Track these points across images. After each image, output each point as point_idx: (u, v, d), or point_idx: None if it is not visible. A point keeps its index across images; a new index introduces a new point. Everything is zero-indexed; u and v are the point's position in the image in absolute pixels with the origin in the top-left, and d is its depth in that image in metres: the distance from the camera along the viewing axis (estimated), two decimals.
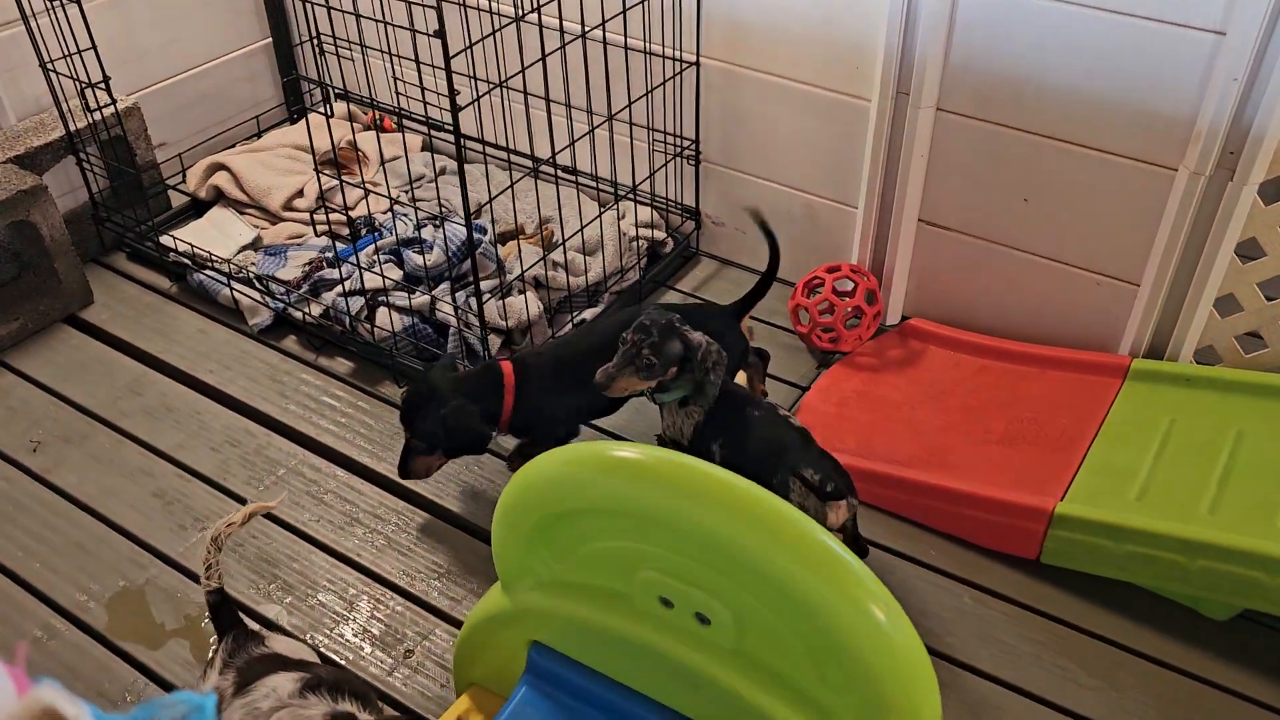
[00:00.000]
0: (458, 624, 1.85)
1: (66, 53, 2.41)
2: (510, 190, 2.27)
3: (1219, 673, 1.74)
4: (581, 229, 2.47)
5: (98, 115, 2.54)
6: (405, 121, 3.00)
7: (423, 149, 3.02)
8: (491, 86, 1.94)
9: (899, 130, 2.21)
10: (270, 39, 3.10)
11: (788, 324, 2.43)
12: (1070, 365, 2.20)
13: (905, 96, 2.16)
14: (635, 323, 1.78)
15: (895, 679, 1.14)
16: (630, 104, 2.42)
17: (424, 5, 1.74)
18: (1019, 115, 2.08)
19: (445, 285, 2.40)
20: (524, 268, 2.42)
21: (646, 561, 1.27)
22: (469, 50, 2.03)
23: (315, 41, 3.10)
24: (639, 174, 2.60)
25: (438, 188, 2.70)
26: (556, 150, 2.32)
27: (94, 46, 2.42)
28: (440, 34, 1.69)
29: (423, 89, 1.80)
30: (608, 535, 1.30)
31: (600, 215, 2.55)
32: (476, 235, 2.43)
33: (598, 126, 2.35)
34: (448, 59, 1.73)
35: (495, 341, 2.32)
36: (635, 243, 2.60)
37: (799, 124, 2.36)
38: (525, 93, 2.19)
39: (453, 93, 1.77)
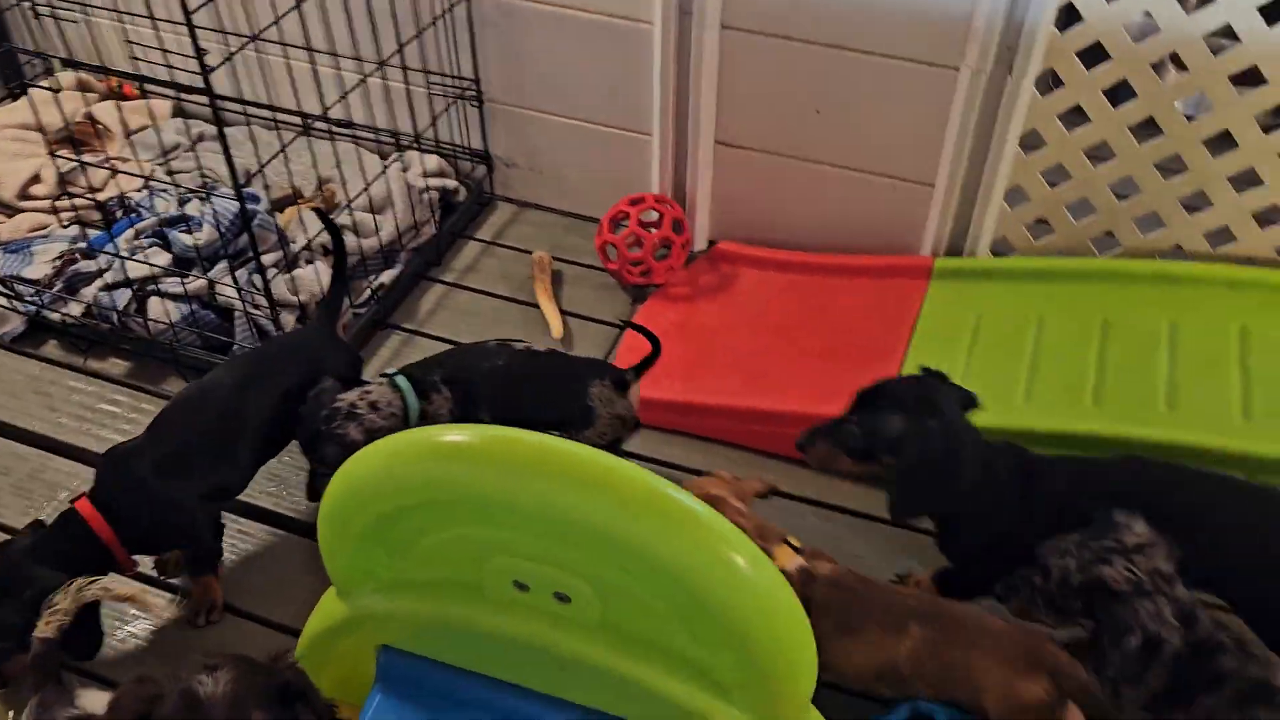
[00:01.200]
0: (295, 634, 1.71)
1: None
2: (282, 153, 2.07)
3: None
4: (366, 186, 2.30)
5: None
6: (149, 87, 2.69)
7: (173, 115, 2.74)
8: (246, 41, 1.73)
9: (685, 52, 2.14)
10: None
11: (598, 262, 2.36)
12: (876, 272, 2.23)
13: (688, 17, 2.09)
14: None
15: (768, 626, 1.11)
16: (401, 48, 2.25)
17: None
18: (804, 27, 2.05)
19: (223, 265, 2.19)
20: (309, 235, 2.23)
21: (493, 547, 1.19)
22: (212, 2, 1.81)
23: (30, 4, 2.75)
24: (420, 121, 2.43)
25: (197, 157, 2.46)
26: (328, 105, 2.13)
27: None
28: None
29: (164, 51, 1.59)
30: (446, 525, 1.20)
31: (385, 169, 2.38)
32: (250, 206, 2.22)
33: (369, 75, 2.17)
34: (188, 15, 1.53)
35: (289, 320, 2.13)
36: (426, 194, 2.45)
37: (582, 54, 2.26)
38: (283, 43, 1.99)
39: (199, 52, 1.57)
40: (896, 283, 2.20)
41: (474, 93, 2.40)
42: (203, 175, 2.53)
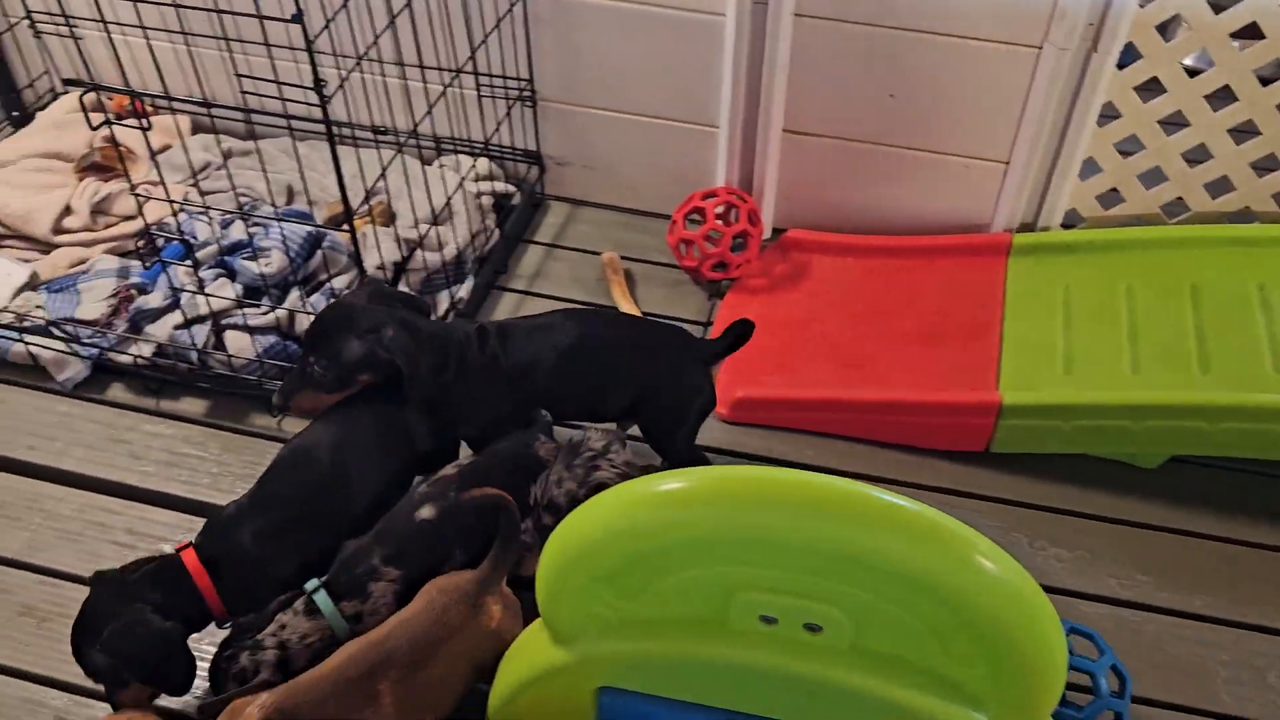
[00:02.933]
0: None
1: None
2: (335, 166, 1.98)
3: (1166, 515, 1.87)
4: (441, 198, 2.22)
5: None
6: (164, 103, 2.56)
7: (194, 130, 2.62)
8: (356, 62, 1.65)
9: (759, 42, 2.11)
10: None
11: (667, 260, 2.33)
12: (955, 251, 2.24)
13: (762, 6, 2.06)
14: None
15: (1023, 630, 1.11)
16: (474, 53, 2.17)
17: None
18: (881, 13, 2.04)
19: (296, 292, 2.10)
20: (381, 253, 2.16)
21: (738, 584, 1.17)
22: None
23: (29, 22, 2.59)
24: (470, 125, 2.36)
25: (229, 175, 2.35)
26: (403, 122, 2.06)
27: None
28: (299, 18, 1.41)
29: (279, 83, 1.51)
30: (688, 566, 1.18)
31: (443, 176, 2.31)
32: (313, 226, 2.14)
33: (449, 86, 2.10)
34: (309, 43, 1.45)
35: None
36: (479, 199, 2.39)
37: (643, 48, 2.21)
38: (339, 54, 1.91)
39: (319, 83, 1.49)
40: (975, 261, 2.22)
41: (528, 93, 2.34)
42: (241, 194, 2.42)
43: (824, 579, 1.14)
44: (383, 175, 2.06)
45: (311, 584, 1.49)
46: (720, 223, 2.21)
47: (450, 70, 2.20)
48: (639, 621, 1.24)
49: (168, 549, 1.78)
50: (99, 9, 2.40)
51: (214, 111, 2.42)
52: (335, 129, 2.27)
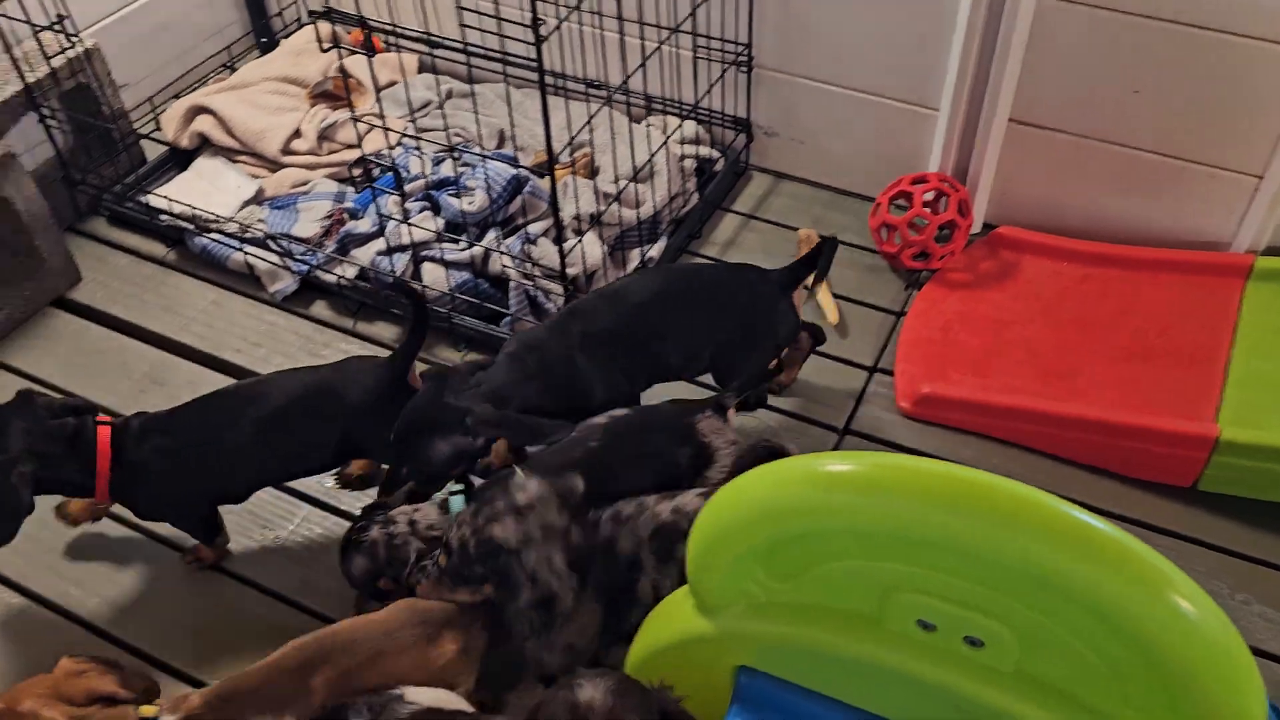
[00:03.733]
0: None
1: None
2: (544, 113, 2.00)
3: None
4: (645, 156, 2.21)
5: (58, 61, 2.18)
6: (398, 39, 2.66)
7: (419, 70, 2.70)
8: (571, 9, 1.65)
9: (994, 23, 1.99)
10: None
11: (866, 243, 2.24)
12: (1185, 267, 2.06)
13: None
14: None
15: (1219, 685, 1.00)
16: (694, 10, 2.14)
17: None
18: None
19: (494, 232, 2.14)
20: (577, 204, 2.17)
21: (899, 582, 1.11)
22: None
23: None
24: (682, 86, 2.33)
25: (444, 115, 2.40)
26: (615, 74, 2.05)
27: None
28: None
29: (498, 18, 1.52)
30: (850, 555, 1.12)
31: (649, 135, 2.29)
32: (519, 169, 2.17)
33: (663, 43, 2.08)
34: None
35: (556, 291, 2.08)
36: (682, 162, 2.36)
37: (872, 22, 2.12)
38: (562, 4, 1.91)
39: (536, 23, 1.50)
40: (1208, 281, 2.03)
41: (745, 58, 2.29)
42: (454, 134, 2.49)
43: (997, 592, 1.06)
44: (587, 126, 2.06)
45: (455, 486, 1.54)
46: (928, 210, 2.11)
47: (668, 28, 2.18)
48: (789, 605, 1.19)
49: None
50: None
51: (437, 53, 2.50)
52: (549, 79, 2.31)
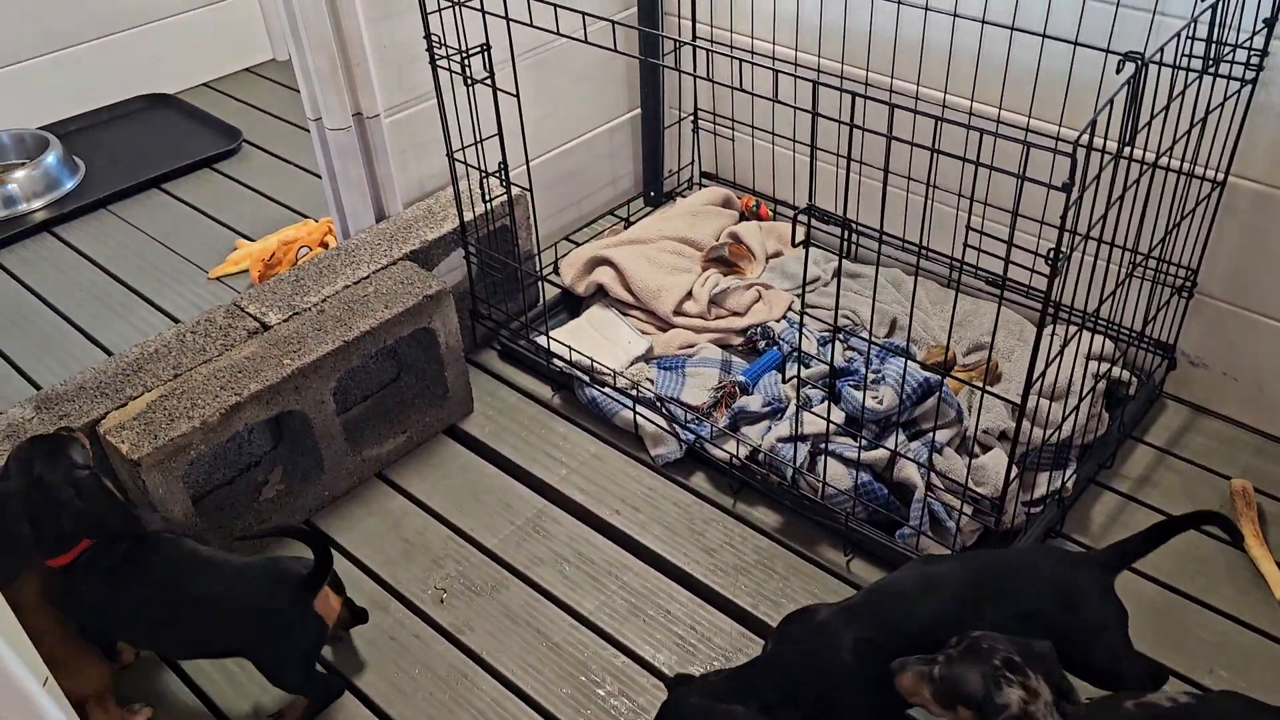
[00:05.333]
0: None
1: (478, 139, 2.15)
2: (923, 305, 1.89)
3: None
4: (1052, 368, 2.05)
5: (496, 204, 2.30)
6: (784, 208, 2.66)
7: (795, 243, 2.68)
8: (1081, 238, 1.55)
9: None
10: (639, 111, 2.82)
11: None
12: None
13: None
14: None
15: None
16: (1140, 227, 2.00)
17: (1056, 151, 1.37)
18: None
19: (900, 435, 2.03)
20: (986, 416, 2.03)
21: None
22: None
23: (693, 118, 2.82)
24: (1098, 296, 2.17)
25: (837, 294, 2.34)
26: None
27: (500, 133, 2.16)
28: (1069, 185, 1.33)
29: (1009, 244, 1.43)
30: None
31: (1059, 347, 2.14)
32: (927, 372, 2.07)
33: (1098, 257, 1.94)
34: (1065, 215, 1.36)
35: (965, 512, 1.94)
36: (1097, 383, 2.18)
37: None
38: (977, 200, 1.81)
39: (1057, 253, 1.40)
40: None
41: (1190, 283, 2.11)
42: (843, 315, 2.43)
43: None
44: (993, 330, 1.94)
45: None
46: None
47: (1107, 243, 2.04)
48: None
49: (738, 659, 1.76)
50: (753, 117, 2.53)
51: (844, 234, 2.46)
52: (954, 269, 2.21)
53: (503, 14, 1.93)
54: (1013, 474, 1.92)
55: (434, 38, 2.03)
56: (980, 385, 2.02)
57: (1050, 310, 1.54)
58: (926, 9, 2.19)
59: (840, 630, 1.50)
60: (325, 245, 2.74)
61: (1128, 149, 1.48)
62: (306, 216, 2.97)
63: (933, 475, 1.95)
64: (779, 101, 1.65)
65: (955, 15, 2.15)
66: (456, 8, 2.00)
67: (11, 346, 2.55)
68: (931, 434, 2.03)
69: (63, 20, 3.37)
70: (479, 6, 1.95)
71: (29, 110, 3.35)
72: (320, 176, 2.36)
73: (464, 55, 2.01)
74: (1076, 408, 2.01)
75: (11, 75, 3.33)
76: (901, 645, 1.44)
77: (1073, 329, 2.20)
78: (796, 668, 1.50)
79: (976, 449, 2.04)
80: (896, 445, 1.98)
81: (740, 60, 1.65)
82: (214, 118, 3.46)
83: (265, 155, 3.32)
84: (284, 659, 1.65)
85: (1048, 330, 2.05)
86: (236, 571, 1.64)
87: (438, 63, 2.05)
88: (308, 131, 2.30)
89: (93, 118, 3.48)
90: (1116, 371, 2.24)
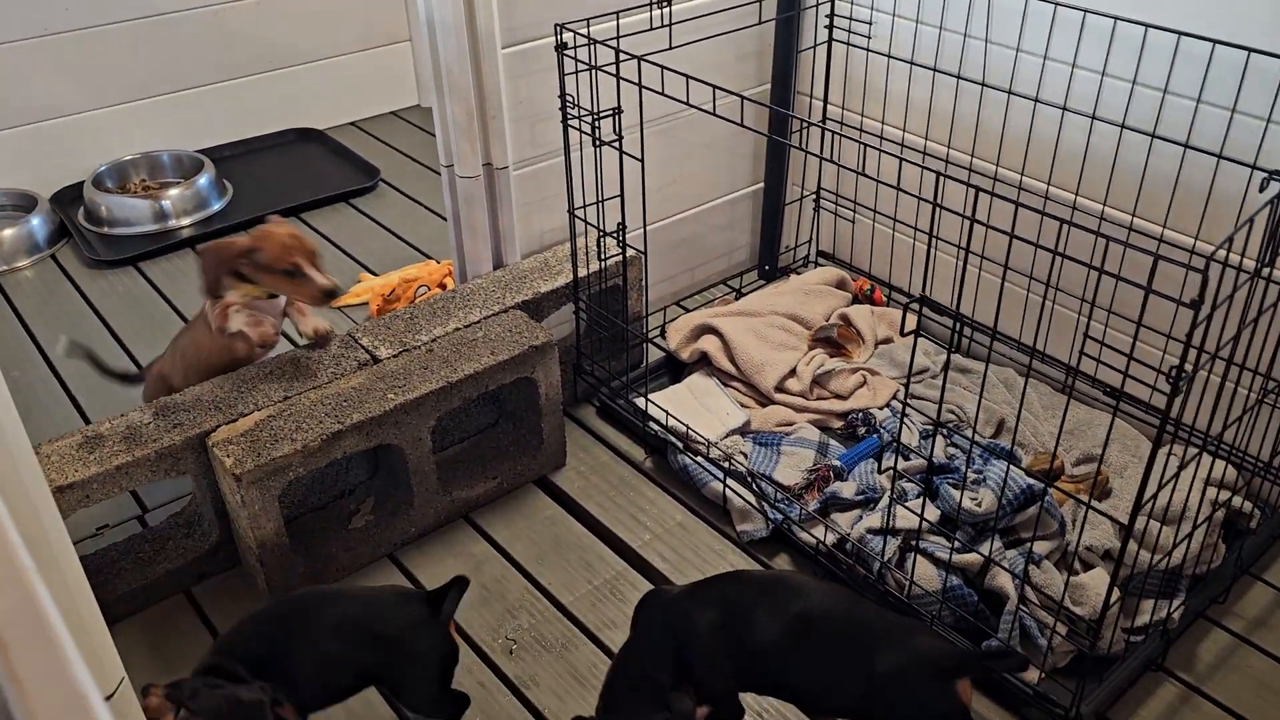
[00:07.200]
0: None
1: (600, 198, 2.20)
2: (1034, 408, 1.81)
3: None
4: (1166, 489, 1.96)
5: (609, 263, 2.33)
6: (900, 295, 2.62)
7: (904, 332, 2.63)
8: (1211, 356, 1.48)
9: None
10: (761, 185, 2.83)
11: None
12: None
13: None
14: None
15: None
16: (1263, 348, 1.91)
17: (1188, 266, 1.32)
18: None
19: (995, 541, 1.96)
20: (1091, 532, 1.94)
21: None
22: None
23: (815, 196, 2.82)
24: (1218, 416, 2.07)
25: (943, 387, 2.28)
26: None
27: (622, 195, 2.20)
28: (1198, 303, 1.27)
29: (1129, 357, 1.38)
30: None
31: (1175, 469, 2.03)
32: (1030, 480, 1.99)
33: (1225, 378, 1.84)
34: (1193, 330, 1.30)
35: (1059, 631, 1.85)
36: (1215, 511, 2.07)
37: None
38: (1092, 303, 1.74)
39: (1180, 373, 1.34)
40: None
41: None
42: (948, 410, 2.37)
43: None
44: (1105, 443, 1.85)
45: None
46: None
47: (1246, 368, 1.95)
48: None
49: None
50: (875, 201, 2.51)
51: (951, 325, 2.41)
52: (1069, 375, 2.13)
53: (636, 80, 1.97)
54: (1114, 597, 1.82)
55: (568, 98, 2.08)
56: (1086, 500, 1.94)
57: (1169, 429, 1.47)
58: (1064, 109, 2.15)
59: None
60: (443, 286, 2.82)
61: (1267, 269, 1.41)
62: (430, 257, 3.06)
63: (1028, 588, 1.87)
64: (901, 190, 1.64)
65: (1094, 118, 2.11)
66: (592, 71, 2.05)
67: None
68: (1030, 544, 1.94)
69: (231, 55, 3.59)
70: (614, 72, 2.00)
71: (190, 133, 3.57)
72: (446, 220, 2.43)
73: (595, 117, 2.05)
74: (1190, 534, 1.91)
75: (180, 100, 3.55)
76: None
77: (1192, 451, 2.11)
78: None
79: (1077, 566, 1.95)
80: (991, 551, 1.91)
81: (866, 145, 1.65)
82: (356, 155, 3.62)
83: (399, 195, 3.45)
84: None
85: (1164, 450, 1.97)
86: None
87: (569, 122, 2.10)
88: (440, 175, 2.39)
89: (246, 145, 3.68)
90: (1238, 501, 2.12)
